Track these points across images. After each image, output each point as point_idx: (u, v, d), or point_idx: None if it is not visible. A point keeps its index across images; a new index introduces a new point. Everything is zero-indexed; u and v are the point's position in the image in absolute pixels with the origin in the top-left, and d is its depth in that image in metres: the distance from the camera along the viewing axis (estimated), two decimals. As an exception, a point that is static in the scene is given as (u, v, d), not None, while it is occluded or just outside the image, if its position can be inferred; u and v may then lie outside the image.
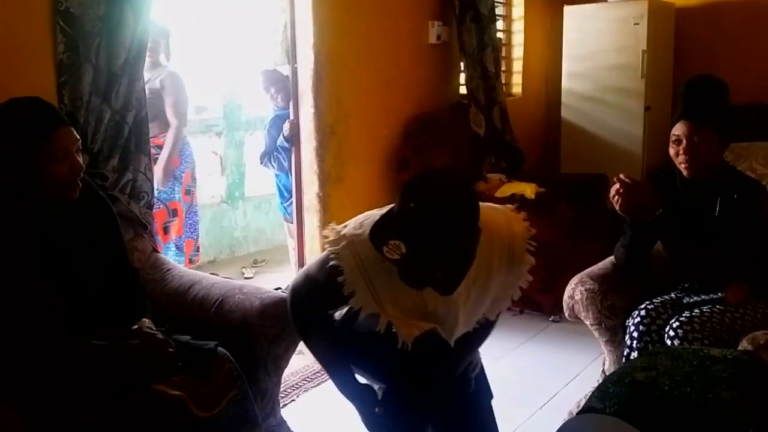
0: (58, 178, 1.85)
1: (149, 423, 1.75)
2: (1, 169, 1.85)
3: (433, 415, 1.85)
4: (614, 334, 2.48)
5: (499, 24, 4.94)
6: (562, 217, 3.84)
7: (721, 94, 2.33)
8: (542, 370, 3.21)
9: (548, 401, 2.90)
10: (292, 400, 2.94)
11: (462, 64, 4.46)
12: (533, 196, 3.88)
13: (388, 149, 3.93)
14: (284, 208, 4.14)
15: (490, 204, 1.79)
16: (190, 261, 3.83)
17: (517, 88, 5.34)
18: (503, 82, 4.97)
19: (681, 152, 2.30)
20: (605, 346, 2.55)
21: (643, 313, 2.31)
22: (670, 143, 2.33)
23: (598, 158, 4.89)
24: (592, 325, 2.51)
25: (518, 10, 5.28)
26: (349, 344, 1.92)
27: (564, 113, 5.24)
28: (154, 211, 2.70)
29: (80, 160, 1.90)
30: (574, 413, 2.38)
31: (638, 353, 2.24)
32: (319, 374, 3.11)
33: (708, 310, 2.25)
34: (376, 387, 1.93)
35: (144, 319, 1.94)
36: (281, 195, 4.15)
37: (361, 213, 1.90)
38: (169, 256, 3.53)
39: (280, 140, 3.80)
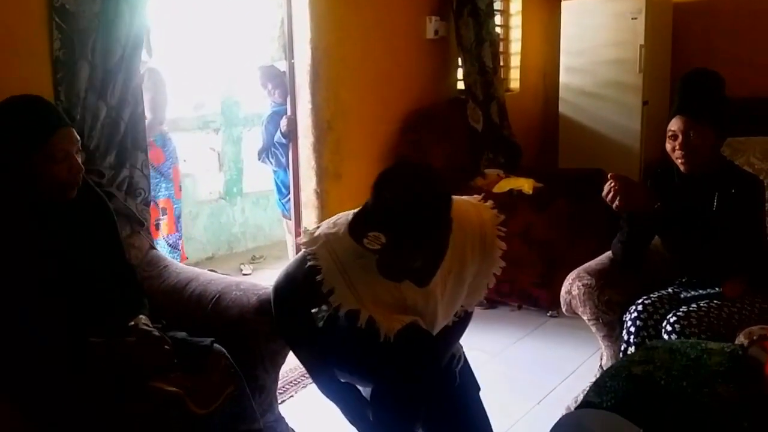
0: (58, 178, 1.85)
1: (146, 420, 1.75)
2: (1, 169, 1.85)
3: (421, 412, 1.86)
4: (612, 329, 2.48)
5: (497, 19, 4.94)
6: (560, 212, 3.84)
7: (717, 88, 2.33)
8: (540, 365, 3.22)
9: (546, 396, 2.90)
10: (290, 397, 2.94)
11: (459, 59, 4.46)
12: (531, 192, 3.87)
13: (386, 145, 3.93)
14: (282, 204, 4.14)
15: (456, 196, 1.82)
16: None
17: (514, 83, 5.34)
18: (501, 77, 4.97)
19: (677, 147, 2.29)
20: (603, 341, 2.55)
21: (640, 308, 2.31)
22: (667, 138, 2.33)
23: (596, 153, 4.90)
24: (589, 320, 2.52)
25: (516, 5, 5.27)
26: (333, 345, 1.94)
27: (562, 108, 5.24)
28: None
29: (80, 160, 1.90)
30: (572, 408, 2.38)
31: (635, 348, 2.24)
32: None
33: (705, 304, 2.25)
34: (362, 389, 1.95)
35: (141, 316, 1.95)
36: (279, 191, 4.15)
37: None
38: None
39: (278, 136, 3.80)
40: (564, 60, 5.17)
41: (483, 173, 4.25)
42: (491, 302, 3.91)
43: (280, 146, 3.85)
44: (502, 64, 5.04)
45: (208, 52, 5.20)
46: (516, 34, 5.30)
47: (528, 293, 3.81)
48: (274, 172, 4.11)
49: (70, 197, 1.91)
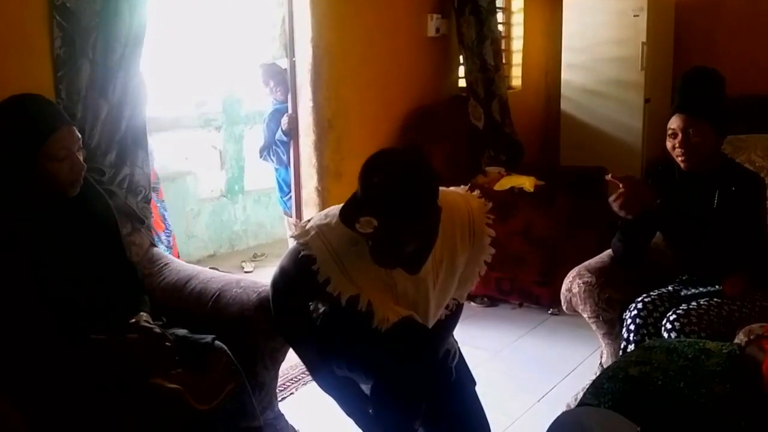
0: (59, 176, 1.86)
1: (147, 416, 1.76)
2: (2, 167, 1.85)
3: (421, 406, 1.86)
4: (612, 326, 2.48)
5: (499, 16, 4.93)
6: (561, 209, 3.83)
7: (716, 86, 2.32)
8: (540, 363, 3.22)
9: (546, 394, 2.90)
10: (291, 394, 2.95)
11: (461, 57, 4.46)
12: (532, 189, 3.87)
13: (387, 143, 3.92)
14: (284, 202, 4.14)
15: (443, 187, 1.84)
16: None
17: (516, 81, 5.33)
18: (503, 74, 4.97)
19: (677, 145, 2.29)
20: (603, 338, 2.55)
21: (640, 305, 2.31)
22: (667, 136, 2.33)
23: (598, 151, 4.89)
24: (589, 317, 2.52)
25: (518, 2, 5.27)
26: (332, 341, 1.94)
27: (563, 106, 5.24)
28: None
29: (81, 158, 1.91)
30: (572, 406, 2.38)
31: (635, 346, 2.24)
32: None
33: (705, 302, 2.25)
34: (363, 385, 1.95)
35: (141, 313, 1.96)
36: (281, 189, 4.15)
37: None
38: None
39: (279, 134, 3.80)
40: (566, 57, 5.16)
41: (484, 171, 4.25)
42: (492, 300, 3.91)
43: (281, 144, 3.85)
44: (503, 61, 5.04)
45: (210, 50, 5.20)
46: (518, 31, 5.30)
47: (529, 291, 3.81)
48: (276, 170, 4.11)
49: (72, 195, 1.92)
